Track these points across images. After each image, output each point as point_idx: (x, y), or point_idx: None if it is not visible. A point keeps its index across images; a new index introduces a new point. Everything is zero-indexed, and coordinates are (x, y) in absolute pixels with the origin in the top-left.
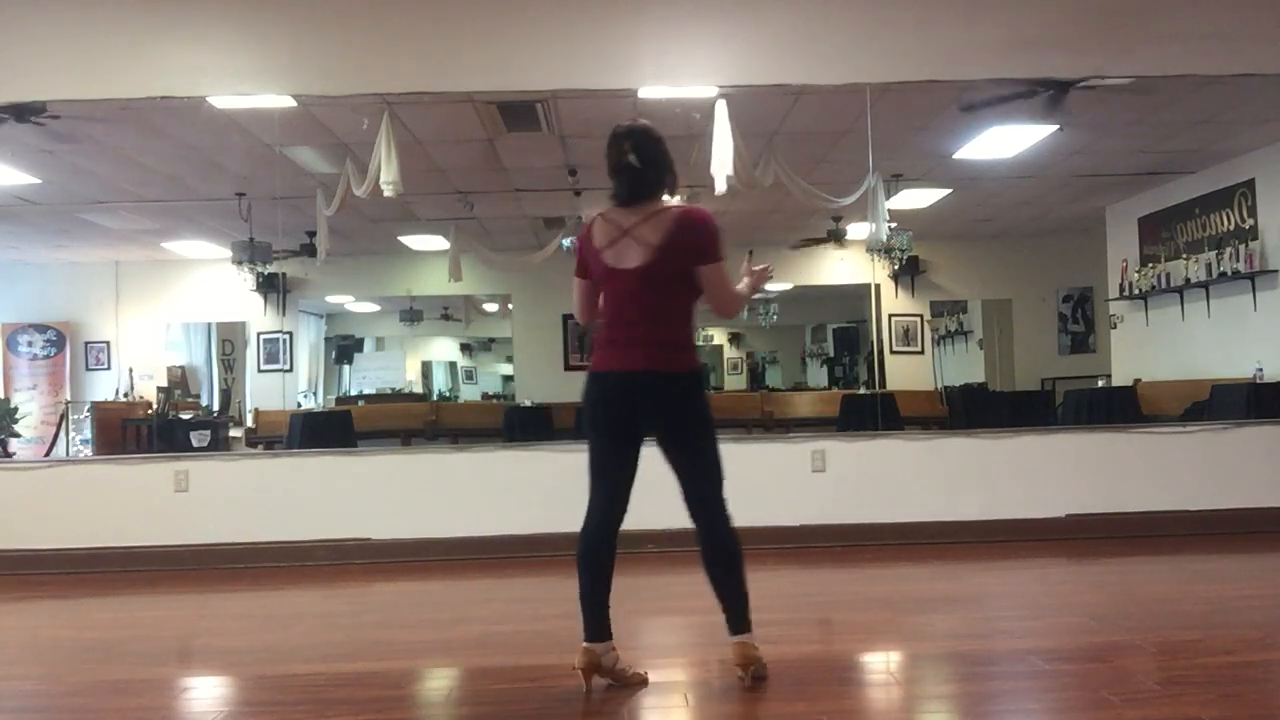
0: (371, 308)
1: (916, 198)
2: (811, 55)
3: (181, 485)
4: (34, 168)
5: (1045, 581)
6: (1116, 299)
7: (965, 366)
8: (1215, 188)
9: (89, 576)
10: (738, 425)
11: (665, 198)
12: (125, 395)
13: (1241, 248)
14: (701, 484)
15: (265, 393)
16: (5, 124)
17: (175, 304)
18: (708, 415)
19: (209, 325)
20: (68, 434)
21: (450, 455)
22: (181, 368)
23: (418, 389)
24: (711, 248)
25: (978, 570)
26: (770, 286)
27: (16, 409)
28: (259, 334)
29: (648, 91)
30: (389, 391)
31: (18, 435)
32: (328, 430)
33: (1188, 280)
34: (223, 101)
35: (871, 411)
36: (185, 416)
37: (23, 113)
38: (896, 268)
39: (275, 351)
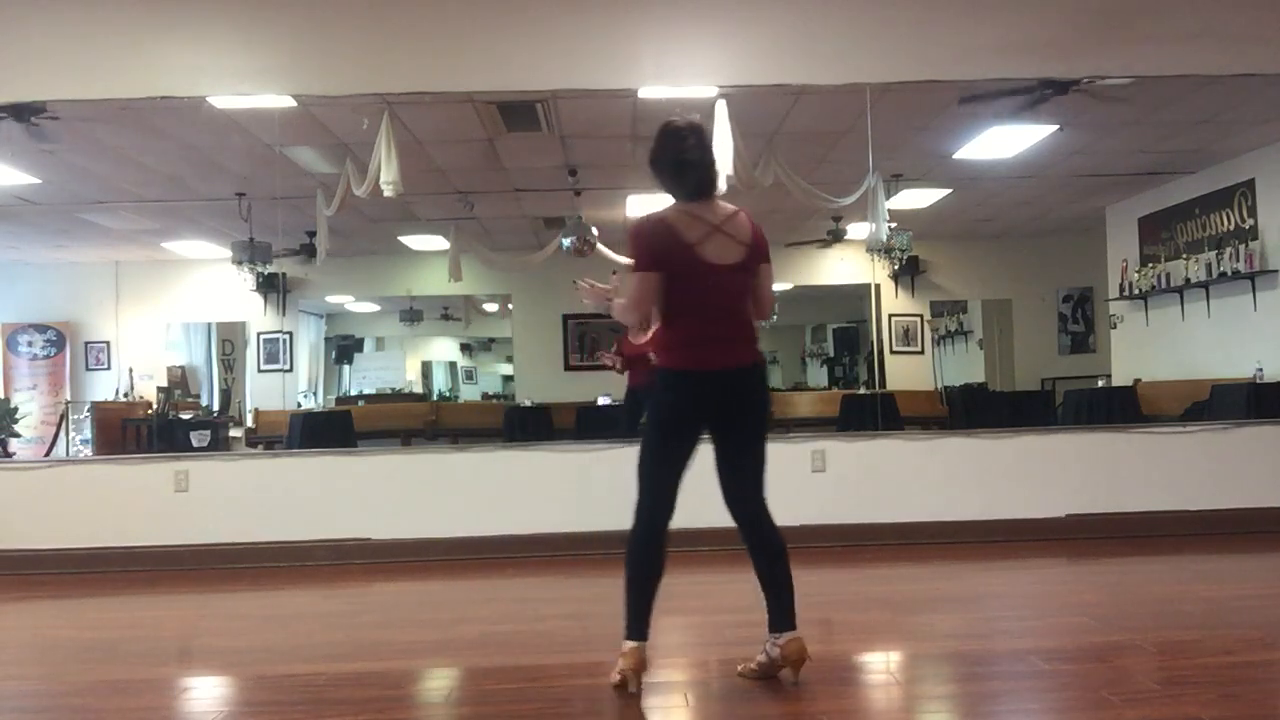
0: (371, 308)
1: (916, 198)
2: (811, 55)
3: (181, 485)
4: (34, 168)
5: (1045, 581)
6: (1116, 299)
7: (965, 366)
8: (1215, 188)
9: (89, 576)
10: None
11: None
12: (125, 395)
13: (1241, 248)
14: (757, 479)
15: (265, 393)
16: (5, 124)
17: (175, 304)
18: (772, 405)
19: (209, 325)
20: (68, 434)
21: (450, 455)
22: (181, 368)
23: (418, 389)
24: (768, 249)
25: (978, 570)
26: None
27: (16, 409)
28: (259, 334)
29: (648, 91)
30: (389, 391)
31: (18, 435)
32: (328, 430)
33: (1188, 280)
34: (223, 101)
35: (871, 411)
36: (185, 416)
37: (23, 113)
38: (896, 268)
39: (275, 351)
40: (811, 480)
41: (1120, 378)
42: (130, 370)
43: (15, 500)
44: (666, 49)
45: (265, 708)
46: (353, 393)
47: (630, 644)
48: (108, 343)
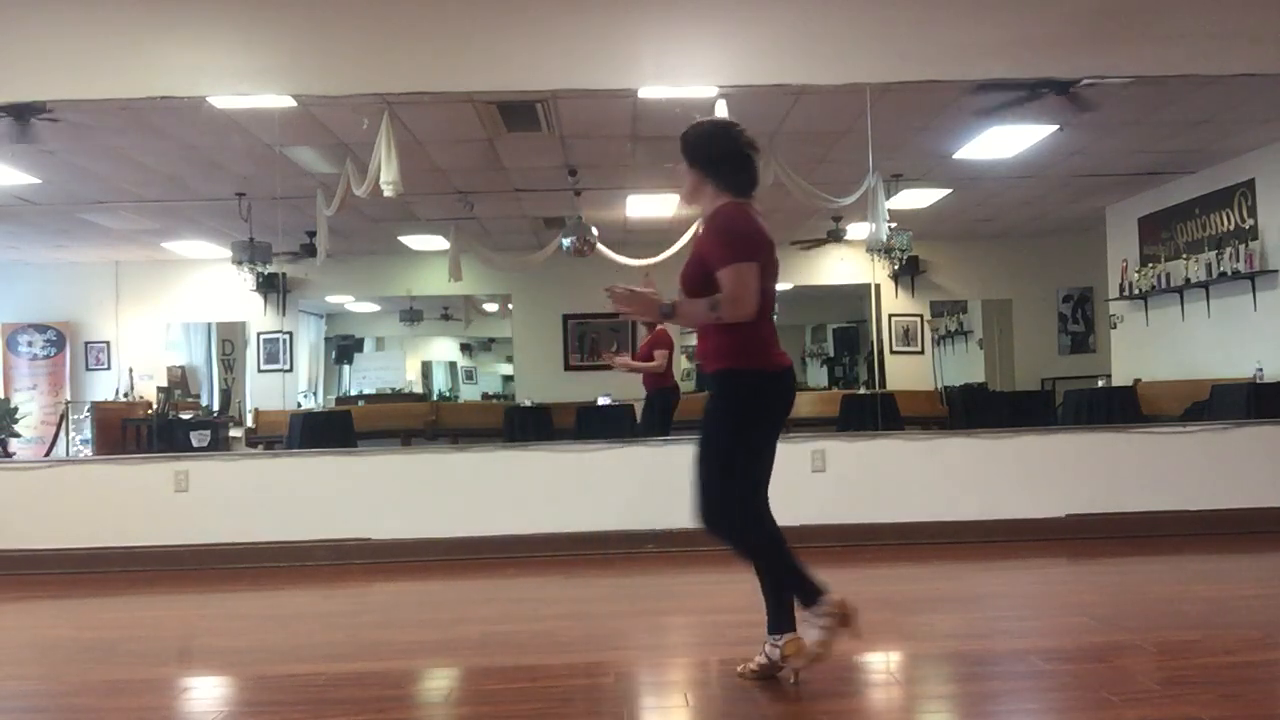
0: (371, 308)
1: (916, 198)
2: (811, 55)
3: (181, 485)
4: (34, 168)
5: (1045, 581)
6: (1116, 299)
7: (965, 366)
8: (1215, 188)
9: (89, 576)
10: None
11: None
12: (125, 395)
13: (1241, 248)
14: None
15: (265, 393)
16: (5, 124)
17: (175, 304)
18: None
19: (209, 325)
20: (68, 434)
21: (450, 455)
22: (181, 368)
23: (418, 389)
24: None
25: (978, 570)
26: None
27: (16, 409)
28: (259, 334)
29: (648, 91)
30: (389, 391)
31: (18, 435)
32: (328, 430)
33: (1188, 280)
34: (223, 101)
35: (871, 411)
36: (185, 416)
37: (23, 113)
38: (896, 268)
39: (275, 351)
40: (811, 480)
41: (1120, 378)
42: (130, 370)
43: (15, 500)
44: (666, 49)
45: (265, 708)
46: (353, 393)
47: (790, 637)
48: (108, 343)
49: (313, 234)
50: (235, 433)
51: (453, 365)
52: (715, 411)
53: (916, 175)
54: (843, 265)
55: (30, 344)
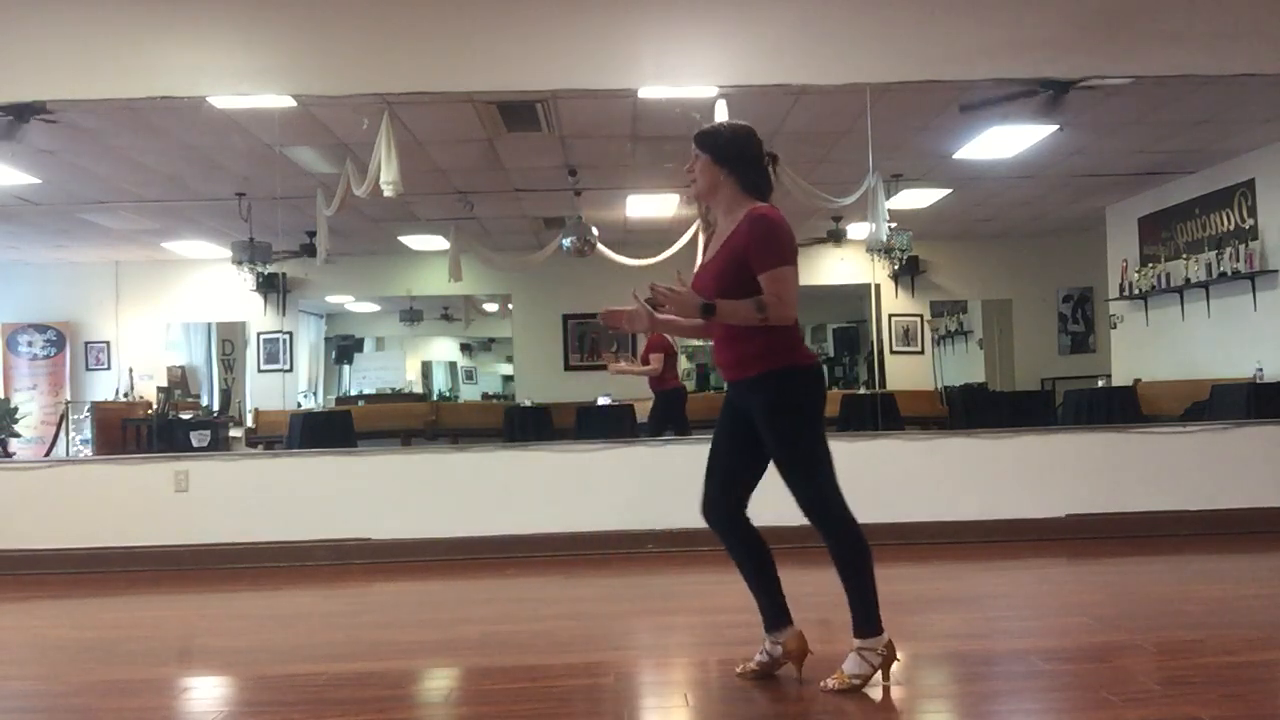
0: (371, 308)
1: (916, 198)
2: (811, 55)
3: (181, 485)
4: (34, 168)
5: (1045, 581)
6: (1116, 299)
7: (965, 366)
8: (1215, 188)
9: (89, 576)
10: None
11: None
12: (125, 395)
13: (1241, 248)
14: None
15: (265, 393)
16: (5, 124)
17: (175, 304)
18: None
19: (209, 325)
20: (68, 434)
21: (450, 455)
22: (181, 368)
23: (418, 389)
24: None
25: (978, 570)
26: None
27: (16, 409)
28: (259, 334)
29: (648, 91)
30: (389, 391)
31: (18, 435)
32: (328, 430)
33: (1188, 280)
34: (223, 101)
35: (871, 411)
36: (185, 416)
37: (23, 113)
38: (896, 268)
39: (275, 351)
40: None
41: (1120, 378)
42: (130, 370)
43: (15, 500)
44: (666, 49)
45: (265, 708)
46: (353, 393)
47: (885, 636)
48: (108, 343)
49: (313, 234)
50: (235, 433)
51: (453, 365)
52: (779, 413)
53: (916, 175)
54: (843, 265)
55: (30, 344)
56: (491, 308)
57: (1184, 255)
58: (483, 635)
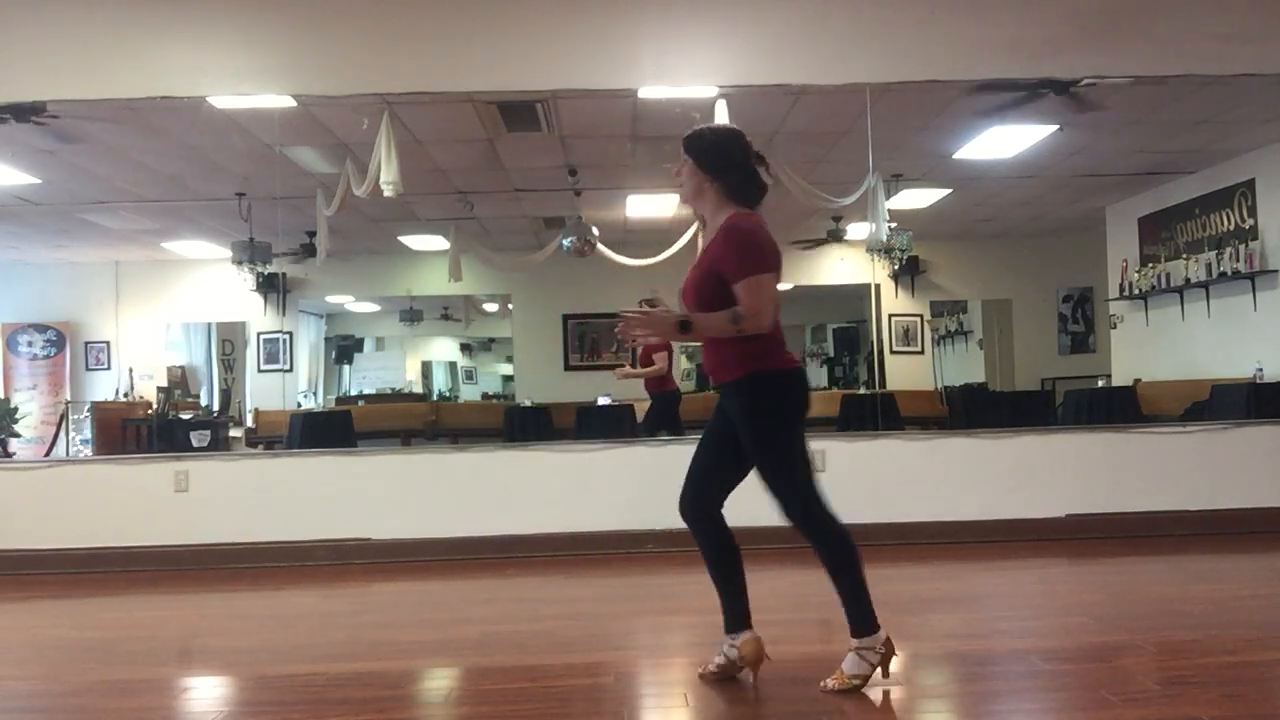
0: (371, 308)
1: (916, 198)
2: (811, 55)
3: (181, 485)
4: (34, 168)
5: (1045, 581)
6: (1116, 299)
7: (965, 366)
8: (1215, 188)
9: (89, 576)
10: None
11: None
12: (125, 395)
13: (1241, 248)
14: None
15: (265, 393)
16: (5, 124)
17: (175, 304)
18: None
19: (209, 325)
20: (68, 434)
21: (450, 455)
22: (181, 368)
23: (418, 389)
24: None
25: (978, 570)
26: None
27: (16, 409)
28: (259, 334)
29: (648, 91)
30: (389, 391)
31: (18, 435)
32: (328, 430)
33: (1188, 280)
34: (223, 101)
35: (871, 411)
36: (185, 416)
37: (23, 113)
38: (896, 268)
39: (275, 351)
40: None
41: (1120, 378)
42: (130, 370)
43: (15, 500)
44: (666, 49)
45: (265, 708)
46: (353, 393)
47: (881, 633)
48: (108, 343)
49: (313, 234)
50: (235, 433)
51: (453, 365)
52: (757, 417)
53: (916, 175)
54: (843, 265)
55: (30, 344)
56: (491, 308)
57: (1184, 255)
58: (483, 635)
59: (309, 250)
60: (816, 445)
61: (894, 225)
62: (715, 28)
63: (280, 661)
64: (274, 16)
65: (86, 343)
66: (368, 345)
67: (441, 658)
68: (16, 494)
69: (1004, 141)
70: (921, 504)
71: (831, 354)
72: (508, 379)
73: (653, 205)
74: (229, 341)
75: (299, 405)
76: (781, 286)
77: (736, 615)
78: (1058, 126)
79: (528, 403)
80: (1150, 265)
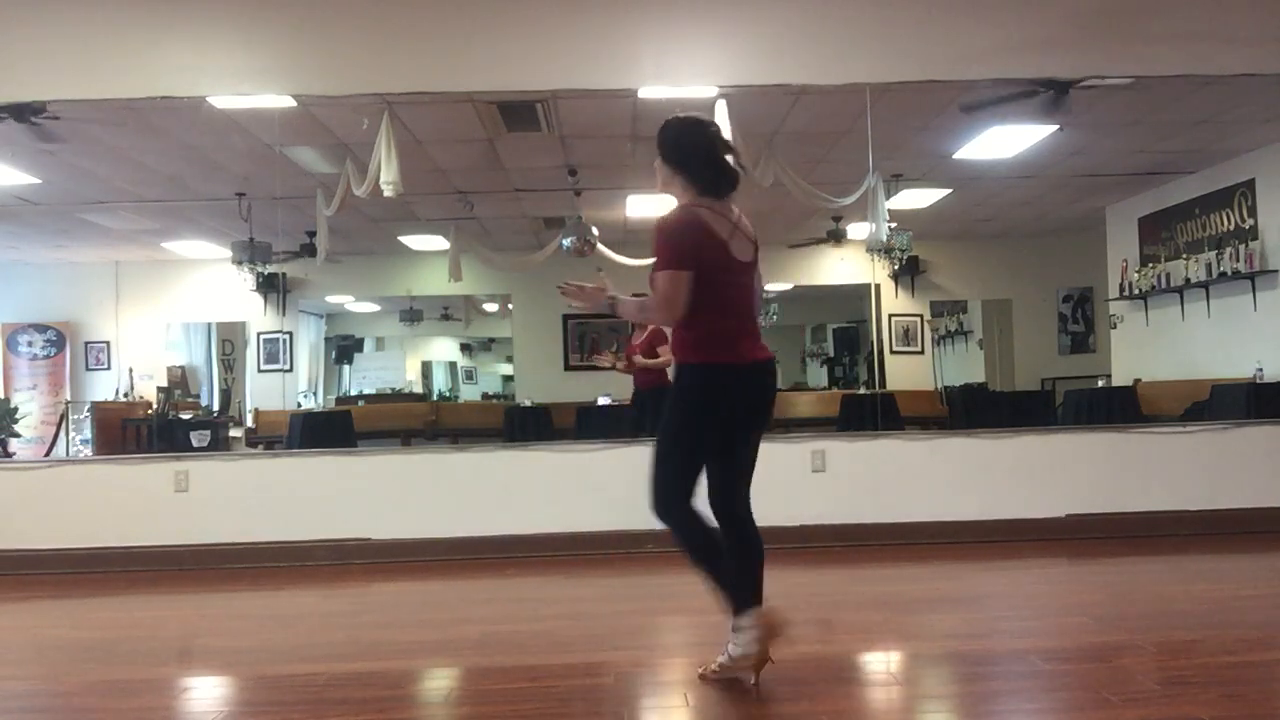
0: (371, 308)
1: (916, 198)
2: (811, 55)
3: (181, 485)
4: (34, 168)
5: (1045, 581)
6: (1116, 299)
7: (965, 366)
8: (1215, 188)
9: (89, 576)
10: None
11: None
12: (125, 395)
13: (1241, 248)
14: (751, 472)
15: (265, 393)
16: (5, 124)
17: (175, 304)
18: None
19: (209, 325)
20: (68, 434)
21: (450, 455)
22: (181, 368)
23: (418, 389)
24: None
25: (978, 570)
26: (770, 286)
27: (16, 409)
28: (259, 334)
29: (648, 91)
30: (389, 391)
31: (18, 435)
32: (328, 430)
33: (1188, 280)
34: (223, 101)
35: (871, 411)
36: (185, 416)
37: (23, 113)
38: (896, 268)
39: (275, 351)
40: (811, 480)
41: (1120, 378)
42: (130, 370)
43: (15, 500)
44: (666, 49)
45: (265, 708)
46: (353, 393)
47: (753, 610)
48: (108, 343)
49: (313, 234)
50: (235, 433)
51: (453, 365)
52: (674, 402)
53: (916, 175)
54: (843, 265)
55: (30, 344)
56: (491, 308)
57: (1184, 255)
58: (483, 635)
59: (309, 250)
60: (816, 445)
61: (894, 225)
62: (715, 28)
63: (280, 661)
64: (274, 16)
65: (86, 343)
66: (368, 345)
67: (441, 658)
68: (16, 494)
69: (1004, 141)
70: (921, 504)
71: (831, 354)
72: (508, 379)
73: (653, 205)
74: (229, 341)
75: (299, 405)
76: (782, 286)
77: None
78: (1058, 126)
79: (528, 403)
80: (1150, 265)
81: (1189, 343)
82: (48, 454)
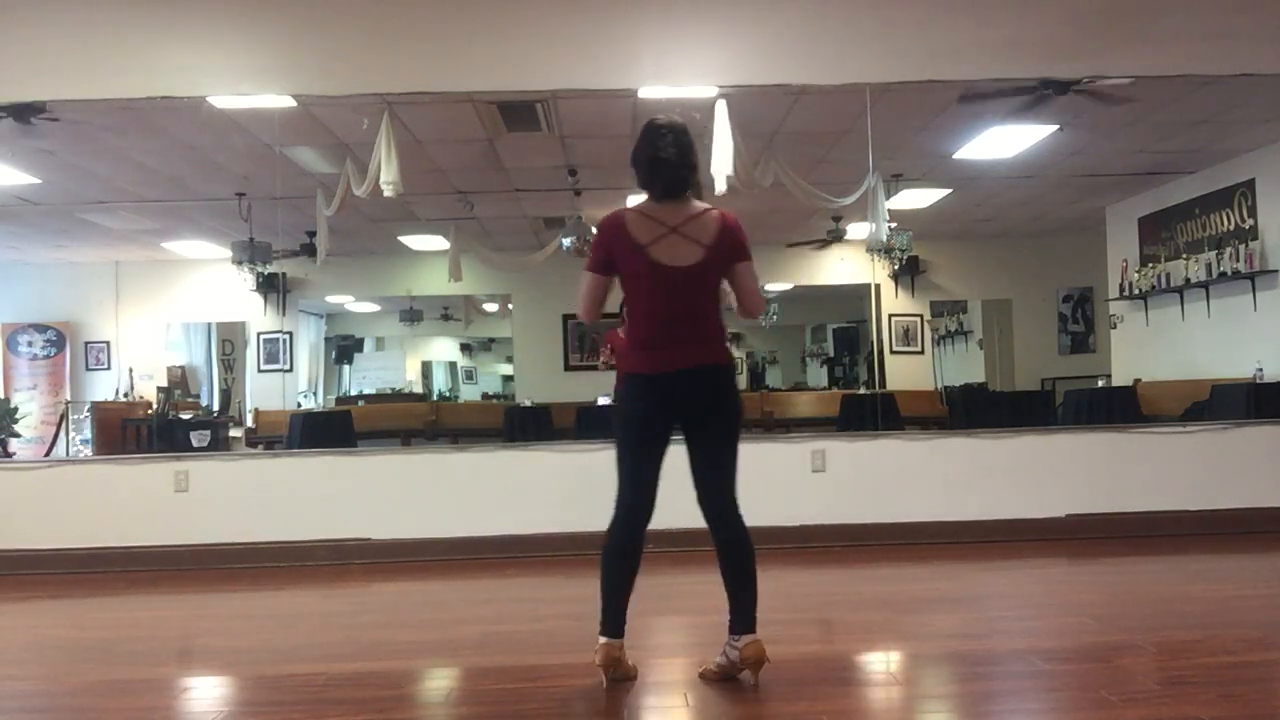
0: (371, 308)
1: (916, 198)
2: (811, 55)
3: (181, 485)
4: (34, 168)
5: (1045, 581)
6: (1116, 299)
7: (965, 366)
8: (1215, 188)
9: (89, 576)
10: None
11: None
12: (125, 395)
13: (1241, 248)
14: (726, 477)
15: (265, 393)
16: (5, 124)
17: (175, 304)
18: (741, 406)
19: (209, 325)
20: (68, 434)
21: (450, 455)
22: (181, 368)
23: (418, 389)
24: (748, 247)
25: (978, 570)
26: (770, 286)
27: (16, 409)
28: (259, 334)
29: (648, 91)
30: (389, 391)
31: (18, 435)
32: (328, 430)
33: (1188, 280)
34: (223, 101)
35: (871, 411)
36: (185, 416)
37: (23, 113)
38: (896, 268)
39: (275, 351)
40: (811, 480)
41: (1120, 378)
42: (130, 370)
43: (15, 500)
44: (666, 49)
45: (265, 708)
46: (353, 393)
47: (605, 639)
48: (108, 343)
49: (313, 234)
50: (235, 433)
51: (453, 365)
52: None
53: (916, 175)
54: (843, 265)
55: (30, 344)
56: (491, 308)
57: (1184, 255)
58: (483, 635)
59: (309, 250)
60: (816, 445)
61: (894, 225)
62: (715, 28)
63: (280, 661)
64: (274, 16)
65: (86, 343)
66: (368, 345)
67: (441, 658)
68: (16, 494)
69: (1004, 141)
70: (921, 504)
71: (831, 354)
72: (508, 379)
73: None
74: (229, 341)
75: (299, 405)
76: (782, 286)
77: (744, 616)
78: (1058, 126)
79: (528, 403)
80: (1150, 265)
81: (1189, 343)
82: (48, 454)
